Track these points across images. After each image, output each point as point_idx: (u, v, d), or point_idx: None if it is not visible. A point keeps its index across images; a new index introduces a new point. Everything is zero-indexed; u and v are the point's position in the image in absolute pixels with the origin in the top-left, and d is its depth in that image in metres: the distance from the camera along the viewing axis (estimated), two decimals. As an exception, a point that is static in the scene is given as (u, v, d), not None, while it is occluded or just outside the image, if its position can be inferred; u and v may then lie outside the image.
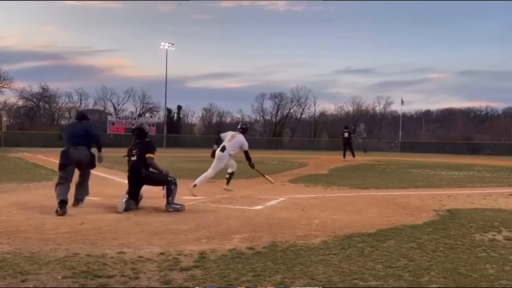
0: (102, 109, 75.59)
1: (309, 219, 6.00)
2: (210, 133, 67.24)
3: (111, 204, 6.77)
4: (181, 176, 7.22)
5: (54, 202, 6.20)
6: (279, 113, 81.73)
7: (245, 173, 10.06)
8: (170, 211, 6.48)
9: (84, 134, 6.73)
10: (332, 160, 25.25)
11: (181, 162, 19.77)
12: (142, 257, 3.93)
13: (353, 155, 23.47)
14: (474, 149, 51.15)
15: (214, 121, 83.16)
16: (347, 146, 23.93)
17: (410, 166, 20.12)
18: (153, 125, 57.64)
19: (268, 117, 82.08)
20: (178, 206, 6.62)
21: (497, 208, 7.33)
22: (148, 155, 6.73)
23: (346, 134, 24.20)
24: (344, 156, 23.70)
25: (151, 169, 6.79)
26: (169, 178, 6.73)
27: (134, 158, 6.81)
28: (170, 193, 6.65)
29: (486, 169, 19.18)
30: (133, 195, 6.66)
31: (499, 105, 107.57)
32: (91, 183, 7.05)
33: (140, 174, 6.74)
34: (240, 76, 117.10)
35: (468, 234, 5.19)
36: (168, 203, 6.61)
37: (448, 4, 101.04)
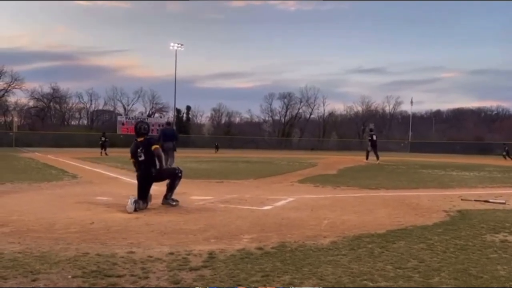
0: (112, 109, 76.26)
1: (318, 219, 5.97)
2: (219, 134, 67.65)
3: (121, 204, 6.81)
4: (188, 175, 7.26)
5: (65, 202, 6.78)
6: (288, 113, 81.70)
7: (253, 173, 10.05)
8: (164, 205, 6.83)
9: (171, 135, 11.60)
10: (341, 160, 25.18)
11: (190, 163, 19.84)
12: (151, 256, 3.95)
13: (377, 158, 22.72)
14: (485, 149, 50.73)
15: (223, 121, 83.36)
16: (374, 148, 23.34)
17: (420, 167, 20.00)
18: (163, 126, 57.97)
19: (277, 117, 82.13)
20: (174, 203, 6.89)
21: (508, 209, 7.25)
22: (154, 146, 6.95)
23: (374, 137, 23.87)
24: (371, 157, 23.01)
25: (158, 167, 6.93)
26: (176, 171, 7.08)
27: (142, 159, 6.85)
28: (171, 188, 6.94)
29: (497, 169, 19.01)
30: (143, 195, 6.70)
31: (510, 105, 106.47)
32: (102, 183, 7.56)
33: (151, 174, 6.81)
34: (249, 76, 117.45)
35: (478, 235, 5.13)
36: (165, 198, 6.92)
37: (460, 3, 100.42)
